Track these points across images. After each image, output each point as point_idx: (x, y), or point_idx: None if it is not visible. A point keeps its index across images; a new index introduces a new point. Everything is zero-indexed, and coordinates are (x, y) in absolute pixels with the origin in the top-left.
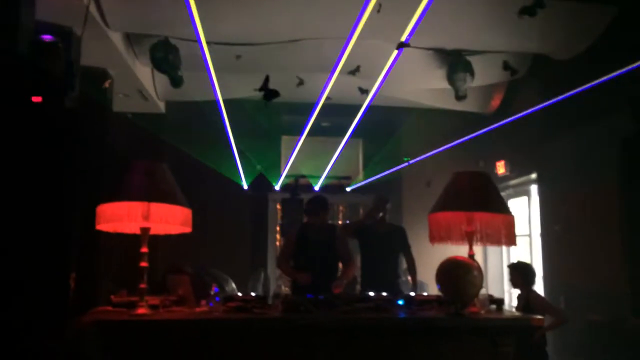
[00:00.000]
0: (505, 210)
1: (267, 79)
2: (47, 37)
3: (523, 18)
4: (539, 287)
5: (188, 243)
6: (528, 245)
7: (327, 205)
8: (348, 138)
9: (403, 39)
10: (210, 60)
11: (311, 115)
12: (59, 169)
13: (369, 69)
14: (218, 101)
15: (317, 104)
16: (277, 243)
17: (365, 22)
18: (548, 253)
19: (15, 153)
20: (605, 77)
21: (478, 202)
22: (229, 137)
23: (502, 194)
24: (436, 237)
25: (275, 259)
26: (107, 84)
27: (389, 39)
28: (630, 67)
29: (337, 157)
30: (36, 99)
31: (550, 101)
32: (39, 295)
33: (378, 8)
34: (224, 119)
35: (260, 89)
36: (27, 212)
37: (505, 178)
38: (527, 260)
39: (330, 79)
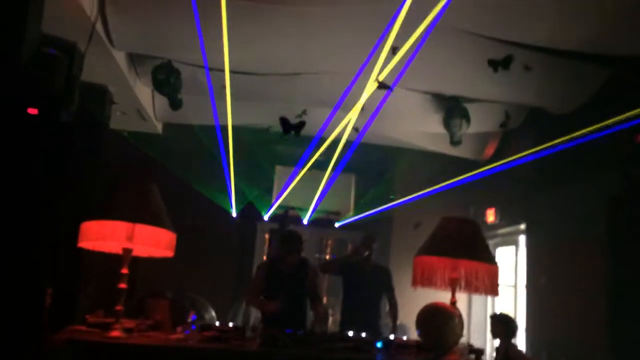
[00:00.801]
0: (490, 260)
1: (284, 120)
2: (51, 51)
3: (522, 71)
4: (521, 340)
5: (171, 266)
6: (513, 296)
7: (302, 241)
8: (336, 173)
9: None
10: (228, 87)
11: (310, 149)
12: (45, 182)
13: (369, 108)
14: (217, 127)
15: (317, 138)
16: None
17: (371, 62)
18: (532, 305)
19: (3, 162)
20: (596, 134)
21: (464, 250)
22: (224, 163)
23: (491, 242)
24: (419, 281)
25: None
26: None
27: (393, 81)
28: (620, 126)
29: (328, 191)
30: (32, 111)
31: (542, 153)
32: (13, 309)
33: (393, 50)
34: (221, 145)
35: (286, 132)
36: (7, 223)
37: (494, 226)
38: (511, 311)
39: (333, 114)
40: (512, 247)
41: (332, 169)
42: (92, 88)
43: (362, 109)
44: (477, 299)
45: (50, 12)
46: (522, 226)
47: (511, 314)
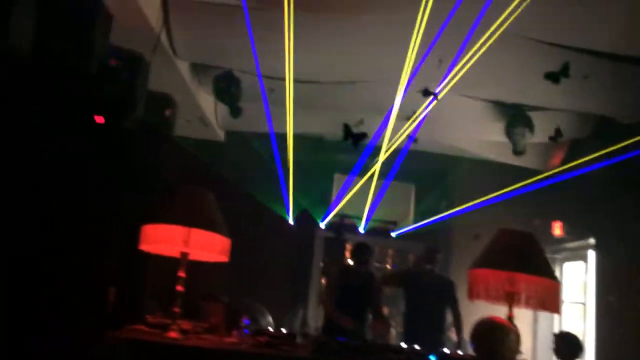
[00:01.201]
0: (549, 274)
1: (347, 127)
2: (113, 61)
3: (588, 79)
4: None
5: (228, 271)
6: (582, 314)
7: (372, 253)
8: (387, 182)
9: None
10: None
11: (366, 157)
12: (108, 186)
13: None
14: (272, 135)
15: (372, 145)
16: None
17: (424, 71)
18: (601, 325)
19: (69, 167)
20: None
21: (520, 263)
22: (279, 170)
23: (558, 256)
24: (475, 293)
25: (318, 297)
26: (169, 111)
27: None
28: None
29: (386, 200)
30: (99, 119)
31: (611, 162)
32: (76, 306)
33: (439, 63)
34: (276, 152)
35: (346, 138)
36: (72, 225)
37: (561, 240)
38: (580, 330)
39: (385, 124)
40: (581, 263)
41: (386, 178)
42: (156, 96)
43: (413, 117)
44: (543, 316)
45: (118, 24)
46: (591, 240)
47: (580, 333)
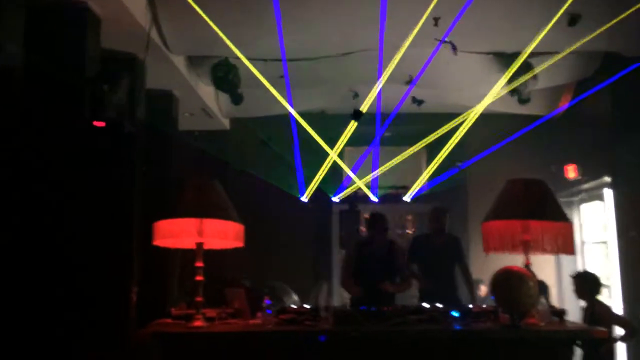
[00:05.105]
0: (561, 217)
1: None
2: (111, 66)
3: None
4: (617, 296)
5: (252, 256)
6: (604, 253)
7: (387, 222)
8: (375, 146)
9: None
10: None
11: (383, 128)
12: (117, 189)
13: (423, 78)
14: (292, 116)
15: (392, 116)
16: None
17: (419, 31)
18: (624, 261)
19: (78, 174)
20: None
21: (532, 210)
22: (296, 152)
23: (574, 199)
24: (490, 246)
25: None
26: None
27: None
28: None
29: (396, 167)
30: (99, 124)
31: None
32: (101, 308)
33: (435, 22)
34: (295, 134)
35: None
36: (90, 230)
37: (576, 182)
38: (604, 268)
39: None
40: (599, 203)
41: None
42: (158, 94)
43: (410, 80)
44: (567, 259)
45: (108, 29)
46: (607, 179)
47: (603, 272)
